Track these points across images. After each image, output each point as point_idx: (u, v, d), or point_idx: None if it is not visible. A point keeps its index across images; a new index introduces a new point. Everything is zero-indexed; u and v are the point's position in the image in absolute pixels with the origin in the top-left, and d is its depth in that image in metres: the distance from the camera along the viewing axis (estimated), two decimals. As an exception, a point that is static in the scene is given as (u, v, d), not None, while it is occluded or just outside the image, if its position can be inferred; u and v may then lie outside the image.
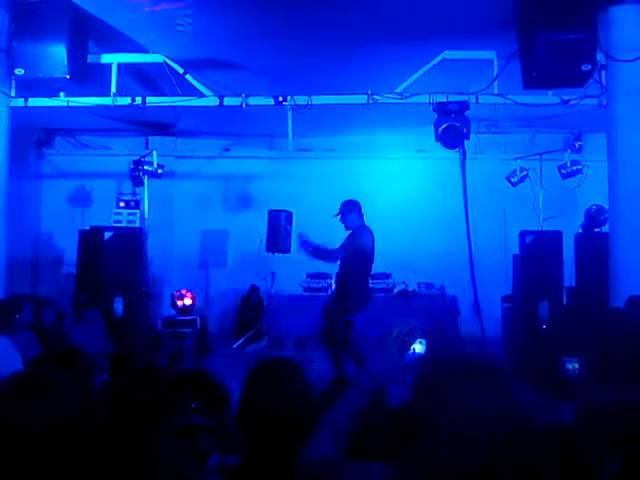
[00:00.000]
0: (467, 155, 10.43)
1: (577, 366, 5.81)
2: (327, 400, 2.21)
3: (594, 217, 9.76)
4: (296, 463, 1.78)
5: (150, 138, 12.28)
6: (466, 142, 9.16)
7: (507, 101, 7.86)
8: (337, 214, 7.64)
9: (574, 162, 10.57)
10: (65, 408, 1.74)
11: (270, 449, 2.19)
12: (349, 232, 7.60)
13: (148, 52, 8.40)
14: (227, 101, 8.35)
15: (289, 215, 9.38)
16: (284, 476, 1.95)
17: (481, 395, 1.53)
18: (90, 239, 9.99)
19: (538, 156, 10.77)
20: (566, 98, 7.43)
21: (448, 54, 7.97)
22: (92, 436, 1.84)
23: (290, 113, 8.20)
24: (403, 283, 11.14)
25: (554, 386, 6.99)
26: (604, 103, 6.87)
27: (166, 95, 8.79)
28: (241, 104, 8.26)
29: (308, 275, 11.14)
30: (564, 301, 9.53)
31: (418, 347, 1.96)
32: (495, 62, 7.89)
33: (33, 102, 8.12)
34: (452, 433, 1.51)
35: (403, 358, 1.88)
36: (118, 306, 9.66)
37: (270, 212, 9.40)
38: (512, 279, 10.61)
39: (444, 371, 1.68)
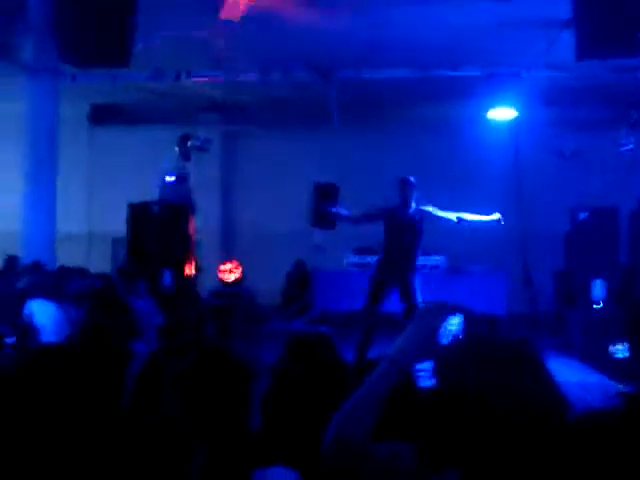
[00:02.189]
0: (519, 129, 10.19)
1: (625, 349, 5.60)
2: (359, 377, 2.16)
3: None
4: (321, 441, 1.74)
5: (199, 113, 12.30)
6: (518, 115, 8.94)
7: (560, 72, 7.61)
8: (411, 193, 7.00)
9: (630, 135, 10.18)
10: (91, 383, 1.74)
11: (296, 425, 2.17)
12: (414, 207, 7.07)
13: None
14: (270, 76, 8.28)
15: (335, 189, 9.25)
16: (308, 452, 1.91)
17: (510, 378, 1.47)
18: (139, 213, 10.15)
19: (593, 129, 10.44)
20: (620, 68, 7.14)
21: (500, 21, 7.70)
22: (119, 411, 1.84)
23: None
24: (449, 260, 10.91)
25: (608, 368, 6.78)
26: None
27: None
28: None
29: (354, 250, 11.02)
30: (619, 280, 9.26)
31: (452, 325, 1.88)
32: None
33: (81, 78, 8.19)
34: (478, 416, 1.46)
35: (435, 336, 1.80)
36: (167, 278, 9.82)
37: (316, 185, 9.29)
38: (564, 255, 10.35)
39: (473, 352, 1.61)
